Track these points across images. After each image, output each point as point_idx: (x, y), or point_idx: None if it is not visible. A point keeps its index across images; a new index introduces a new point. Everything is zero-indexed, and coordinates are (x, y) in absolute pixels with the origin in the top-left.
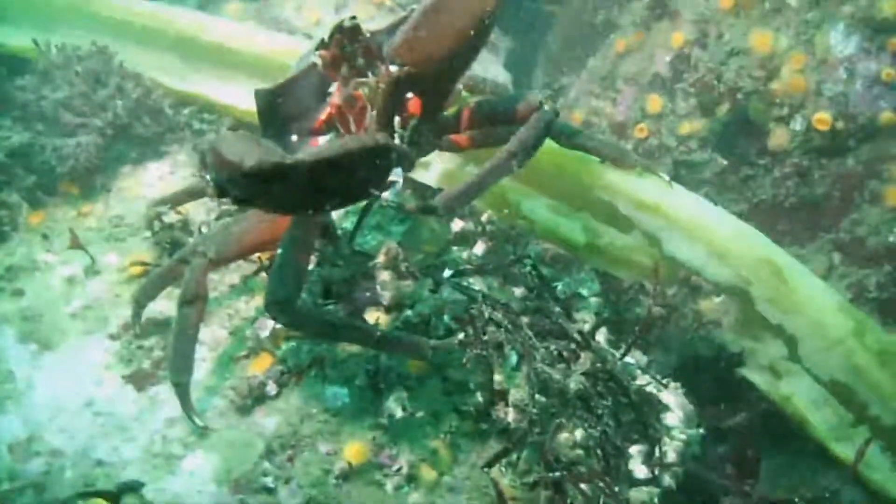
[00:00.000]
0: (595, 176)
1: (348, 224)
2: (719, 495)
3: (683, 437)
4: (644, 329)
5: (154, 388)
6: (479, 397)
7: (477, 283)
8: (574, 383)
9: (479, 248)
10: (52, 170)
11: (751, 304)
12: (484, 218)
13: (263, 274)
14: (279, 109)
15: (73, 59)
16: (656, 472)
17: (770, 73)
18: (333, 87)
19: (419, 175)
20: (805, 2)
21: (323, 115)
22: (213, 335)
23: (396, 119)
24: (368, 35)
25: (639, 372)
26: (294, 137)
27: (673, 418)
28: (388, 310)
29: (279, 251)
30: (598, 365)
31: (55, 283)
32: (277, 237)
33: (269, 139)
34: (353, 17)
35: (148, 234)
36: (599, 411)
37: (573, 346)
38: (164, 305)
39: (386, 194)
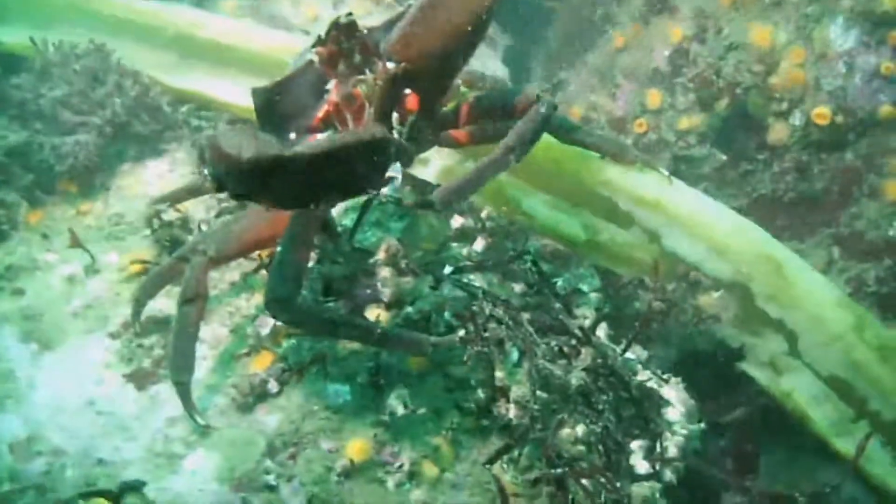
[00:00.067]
0: (594, 172)
1: (348, 221)
2: (720, 490)
3: (684, 431)
4: (644, 324)
5: (155, 387)
6: (481, 394)
7: (477, 280)
8: (575, 379)
9: (479, 245)
10: (51, 168)
11: (751, 299)
12: (483, 214)
13: (263, 271)
14: (276, 107)
15: (71, 56)
16: (657, 467)
17: (769, 68)
18: (331, 85)
19: (418, 171)
20: None
21: (320, 113)
22: (213, 333)
23: (394, 115)
24: (365, 31)
25: (639, 367)
26: (292, 135)
27: (674, 413)
28: (388, 307)
29: (279, 249)
30: (599, 360)
31: (55, 283)
32: (277, 235)
33: None
34: (350, 14)
35: (147, 232)
36: (600, 407)
37: (574, 341)
38: (165, 304)
39: (385, 190)
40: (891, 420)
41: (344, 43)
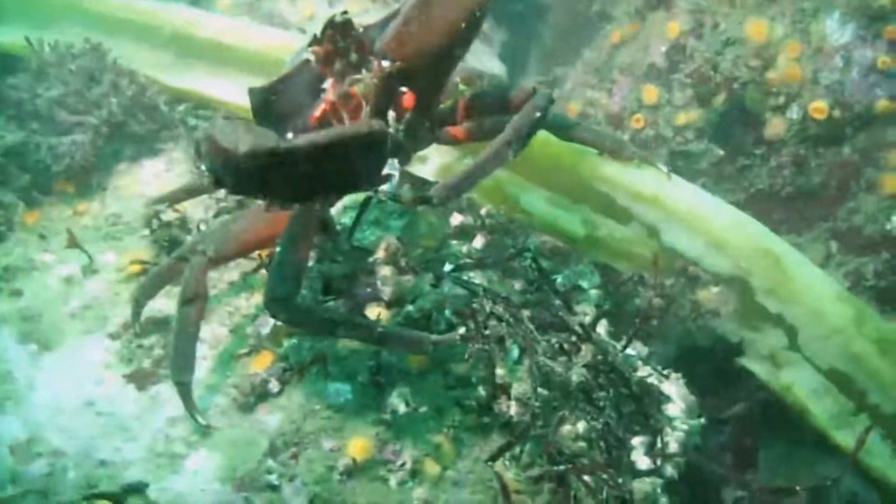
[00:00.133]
0: (593, 168)
1: (347, 219)
2: (720, 485)
3: (685, 427)
4: (644, 320)
5: (155, 388)
6: (482, 391)
7: (477, 277)
8: (576, 376)
9: (479, 242)
10: (48, 168)
11: (750, 293)
12: (483, 211)
13: (263, 271)
14: (273, 107)
15: (67, 56)
16: (658, 463)
17: (766, 63)
18: (327, 84)
19: (416, 169)
20: None
21: (318, 112)
22: (213, 333)
23: (391, 114)
24: (361, 30)
25: (640, 363)
26: (289, 135)
27: (674, 409)
28: (389, 305)
29: (278, 248)
30: (600, 357)
31: (53, 283)
32: (276, 234)
33: None
34: (345, 12)
35: (146, 232)
36: (601, 403)
37: (574, 338)
38: (164, 304)
39: (383, 188)
40: (890, 413)
41: (340, 42)
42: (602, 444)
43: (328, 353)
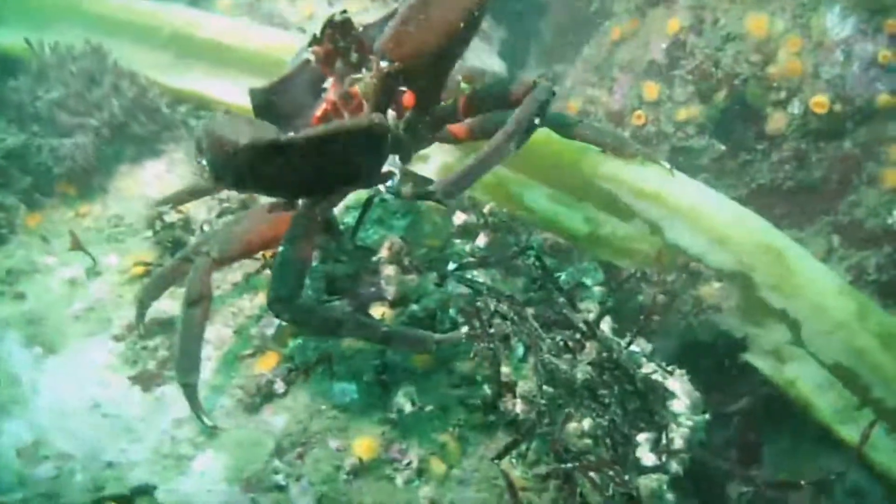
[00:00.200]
0: (595, 165)
1: (350, 219)
2: (724, 481)
3: (690, 423)
4: (648, 317)
5: (160, 389)
6: (487, 390)
7: (481, 276)
8: (581, 373)
9: (482, 241)
10: (49, 171)
11: (753, 289)
12: (486, 210)
13: (267, 271)
14: (274, 108)
15: (67, 58)
16: (664, 459)
17: (767, 58)
18: (328, 83)
19: (418, 168)
20: None
21: (319, 112)
22: (217, 334)
23: (392, 113)
24: (361, 29)
25: (644, 360)
26: (291, 134)
27: (679, 405)
28: (392, 304)
29: (280, 248)
30: (604, 354)
31: (56, 286)
32: (280, 235)
33: None
34: (344, 12)
35: (148, 233)
36: (606, 400)
37: (579, 336)
38: (168, 305)
39: (383, 187)
40: (894, 407)
41: (339, 41)
42: (608, 441)
43: (333, 353)
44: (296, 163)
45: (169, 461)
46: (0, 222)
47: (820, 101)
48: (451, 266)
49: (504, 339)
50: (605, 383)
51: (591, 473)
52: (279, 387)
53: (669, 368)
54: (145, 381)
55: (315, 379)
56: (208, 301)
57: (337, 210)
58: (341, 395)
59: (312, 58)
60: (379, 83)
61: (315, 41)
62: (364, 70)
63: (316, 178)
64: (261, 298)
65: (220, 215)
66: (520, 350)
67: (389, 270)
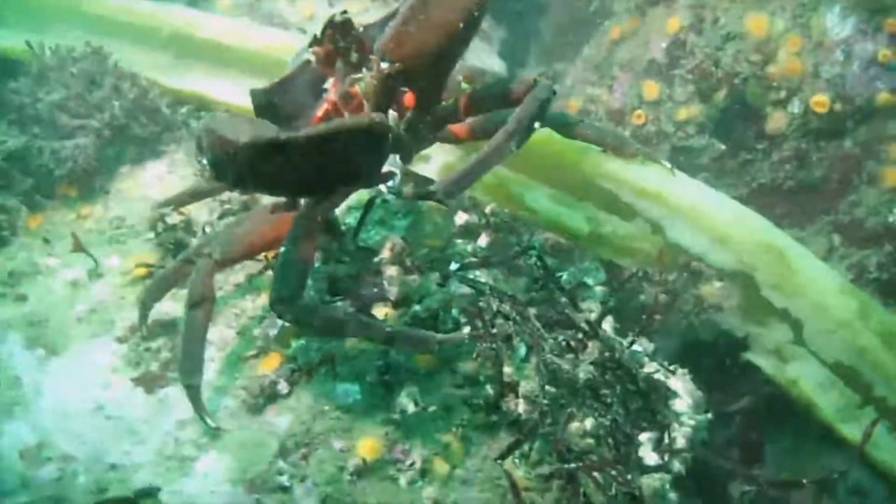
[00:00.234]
0: (596, 165)
1: (351, 220)
2: (727, 480)
3: (692, 422)
4: (650, 317)
5: (163, 391)
6: (490, 390)
7: (483, 276)
8: (583, 373)
9: (484, 241)
10: (50, 173)
11: (755, 288)
12: (487, 210)
13: (269, 272)
14: (276, 108)
15: (68, 60)
16: (666, 459)
17: (767, 57)
18: (329, 84)
19: (419, 168)
20: None
21: (320, 112)
22: (220, 335)
23: (393, 113)
24: (361, 29)
25: (646, 359)
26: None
27: (681, 404)
28: (395, 305)
29: (282, 249)
30: (606, 354)
31: (58, 287)
32: (282, 236)
33: None
34: (344, 12)
35: (150, 235)
36: (608, 400)
37: (581, 335)
38: (170, 306)
39: (384, 187)
40: None
41: (340, 42)
42: (610, 440)
43: (336, 353)
44: (296, 161)
45: (172, 463)
46: (1, 224)
47: (820, 101)
48: (454, 266)
49: (506, 339)
50: (608, 383)
51: (594, 473)
52: (282, 388)
53: (671, 368)
54: (148, 383)
55: (318, 380)
56: (211, 302)
57: (338, 211)
58: (344, 395)
59: (313, 58)
60: (379, 84)
61: (316, 42)
62: (365, 70)
63: (316, 178)
64: (263, 299)
65: (221, 217)
66: (522, 350)
67: (392, 271)
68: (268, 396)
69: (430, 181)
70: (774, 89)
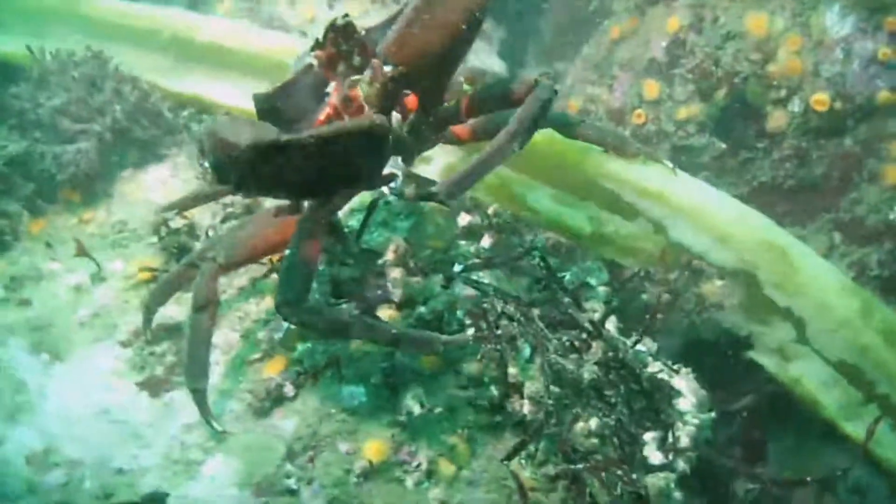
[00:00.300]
0: (598, 165)
1: (354, 222)
2: (730, 478)
3: (696, 421)
4: (654, 316)
5: (169, 394)
6: (494, 391)
7: (486, 277)
8: (587, 373)
9: (487, 242)
10: (52, 177)
11: (757, 287)
12: (490, 211)
13: (274, 275)
14: (278, 112)
15: (69, 64)
16: (670, 458)
17: (767, 56)
18: (331, 87)
19: (421, 170)
20: None
21: (322, 116)
22: (225, 338)
23: (396, 116)
24: (363, 32)
25: (649, 359)
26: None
27: (685, 403)
28: (399, 307)
29: (287, 252)
30: (610, 354)
31: (61, 292)
32: (286, 239)
33: None
34: (346, 16)
35: (152, 239)
36: (613, 400)
37: (585, 335)
38: (174, 310)
39: (387, 188)
40: None
41: (342, 45)
42: (615, 440)
43: (341, 356)
44: (297, 164)
45: (179, 466)
46: (3, 229)
47: (820, 99)
48: (457, 268)
49: (511, 340)
50: (612, 383)
51: (600, 473)
52: (288, 390)
53: (675, 367)
54: (153, 387)
55: (324, 382)
56: (216, 306)
57: (341, 213)
58: (350, 398)
59: (315, 62)
60: (382, 87)
61: (318, 45)
62: (365, 72)
63: (318, 180)
64: (267, 302)
65: (224, 220)
66: (526, 351)
67: (395, 273)
68: (273, 399)
69: (432, 182)
70: (775, 88)
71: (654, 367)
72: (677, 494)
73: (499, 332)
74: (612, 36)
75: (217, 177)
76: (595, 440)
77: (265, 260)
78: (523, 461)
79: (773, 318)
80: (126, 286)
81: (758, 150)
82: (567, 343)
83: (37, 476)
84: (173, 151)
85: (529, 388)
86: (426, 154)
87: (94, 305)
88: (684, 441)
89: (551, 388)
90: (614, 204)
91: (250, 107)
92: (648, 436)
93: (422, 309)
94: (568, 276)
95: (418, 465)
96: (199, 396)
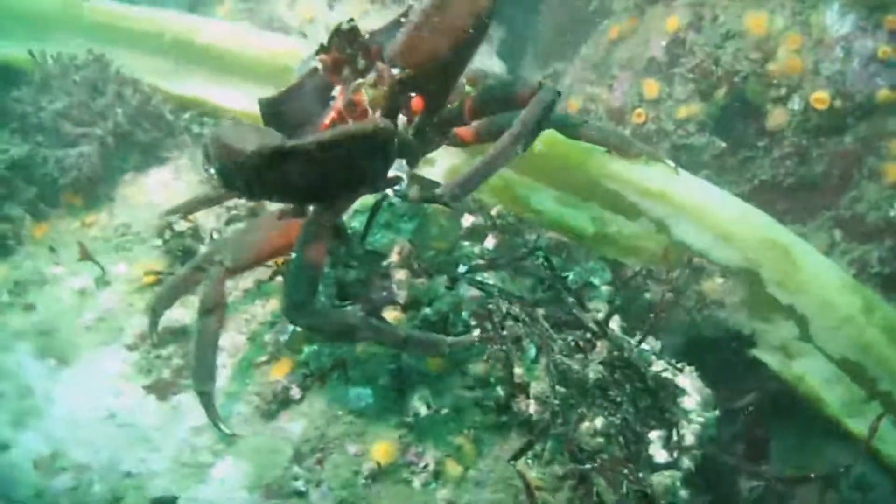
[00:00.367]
0: (600, 166)
1: (357, 223)
2: (734, 476)
3: (700, 419)
4: (658, 315)
5: (176, 397)
6: (500, 391)
7: (490, 278)
8: (592, 373)
9: (490, 242)
10: (55, 181)
11: (760, 285)
12: (494, 212)
13: (279, 278)
14: (283, 116)
15: (70, 68)
16: (676, 456)
17: (766, 55)
18: (336, 91)
19: (425, 172)
20: None
21: (328, 120)
22: (231, 341)
23: (402, 118)
24: (367, 35)
25: (654, 358)
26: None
27: (690, 402)
28: (404, 308)
29: (293, 255)
30: (615, 353)
31: (65, 296)
32: (291, 242)
33: None
34: (351, 20)
35: (156, 242)
36: (618, 399)
37: (589, 335)
38: (180, 313)
39: (391, 190)
40: None
41: (347, 49)
42: (621, 439)
43: (348, 358)
44: (302, 168)
45: (188, 469)
46: (6, 233)
47: (820, 97)
48: (462, 269)
49: (516, 340)
50: (617, 382)
51: (606, 472)
52: (295, 393)
53: (679, 365)
54: (160, 390)
55: (331, 384)
56: (223, 309)
57: (344, 215)
58: (357, 399)
59: (320, 66)
60: (389, 90)
61: (322, 49)
62: (371, 75)
63: (323, 183)
64: (273, 304)
65: (228, 223)
66: (532, 351)
67: (400, 274)
68: (281, 402)
69: (436, 184)
70: (774, 87)
71: (658, 365)
72: (683, 493)
73: (504, 332)
74: (612, 35)
75: (223, 183)
76: (601, 439)
77: (270, 262)
78: (530, 461)
79: (775, 315)
80: (130, 289)
81: (758, 149)
82: (572, 343)
83: (44, 481)
84: (175, 154)
85: (535, 388)
86: (430, 156)
87: (99, 309)
88: (689, 439)
89: (557, 387)
90: (617, 204)
91: (252, 109)
92: (654, 434)
93: (427, 310)
94: (571, 276)
95: (425, 466)
96: (207, 399)
